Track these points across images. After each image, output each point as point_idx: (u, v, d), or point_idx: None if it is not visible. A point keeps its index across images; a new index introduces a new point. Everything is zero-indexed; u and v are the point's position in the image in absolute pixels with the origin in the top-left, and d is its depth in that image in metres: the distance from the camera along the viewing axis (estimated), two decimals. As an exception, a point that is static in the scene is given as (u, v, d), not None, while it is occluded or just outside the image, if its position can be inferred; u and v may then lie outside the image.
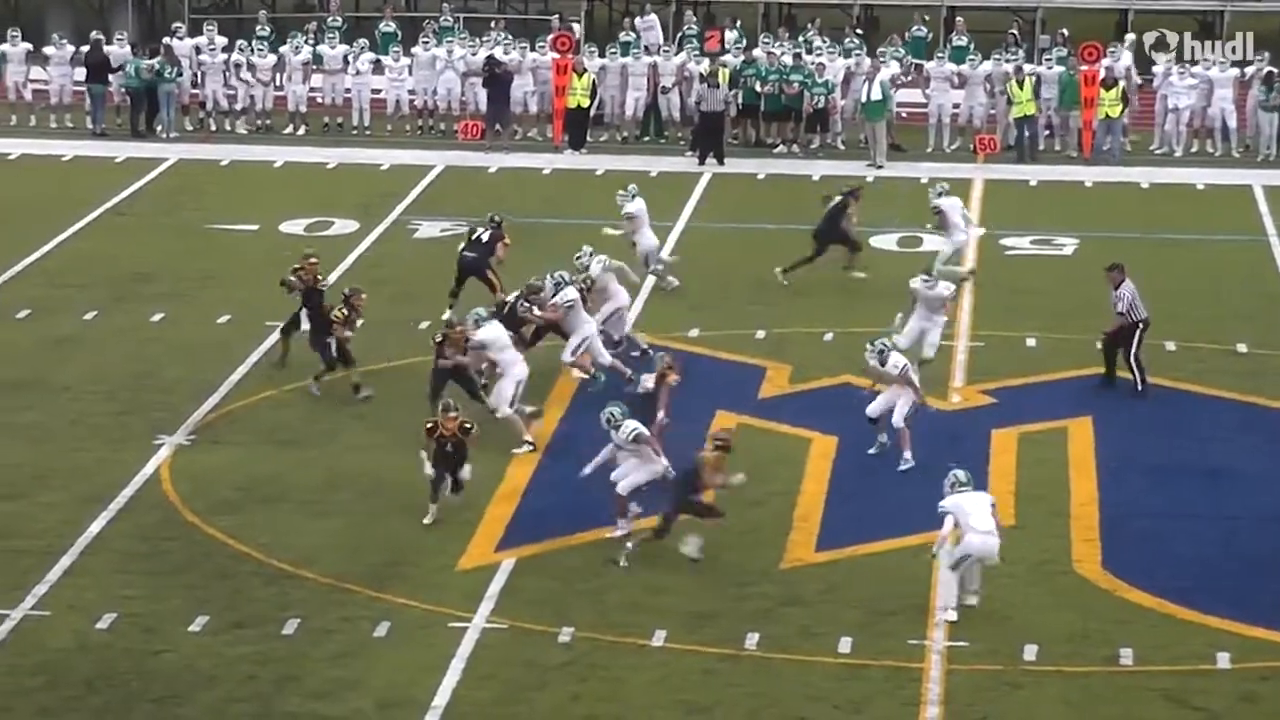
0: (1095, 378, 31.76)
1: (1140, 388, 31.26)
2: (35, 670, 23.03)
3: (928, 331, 31.46)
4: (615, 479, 26.22)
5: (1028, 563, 25.86)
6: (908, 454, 28.48)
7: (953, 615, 24.09)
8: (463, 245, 34.23)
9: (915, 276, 31.94)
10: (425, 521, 26.41)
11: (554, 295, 30.88)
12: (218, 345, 32.90)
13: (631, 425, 26.18)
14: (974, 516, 24.08)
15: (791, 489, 28.04)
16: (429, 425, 26.67)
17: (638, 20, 50.15)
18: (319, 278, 31.49)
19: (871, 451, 28.89)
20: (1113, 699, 22.61)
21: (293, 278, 31.31)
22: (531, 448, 28.97)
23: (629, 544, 25.73)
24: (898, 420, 28.46)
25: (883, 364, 28.43)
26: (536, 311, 30.90)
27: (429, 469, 26.49)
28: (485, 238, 33.70)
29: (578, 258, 32.49)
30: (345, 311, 30.48)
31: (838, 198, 36.16)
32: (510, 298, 31.46)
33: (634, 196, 35.73)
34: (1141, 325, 31.36)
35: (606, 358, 31.13)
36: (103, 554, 25.95)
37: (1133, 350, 31.32)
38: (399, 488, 27.76)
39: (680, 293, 35.85)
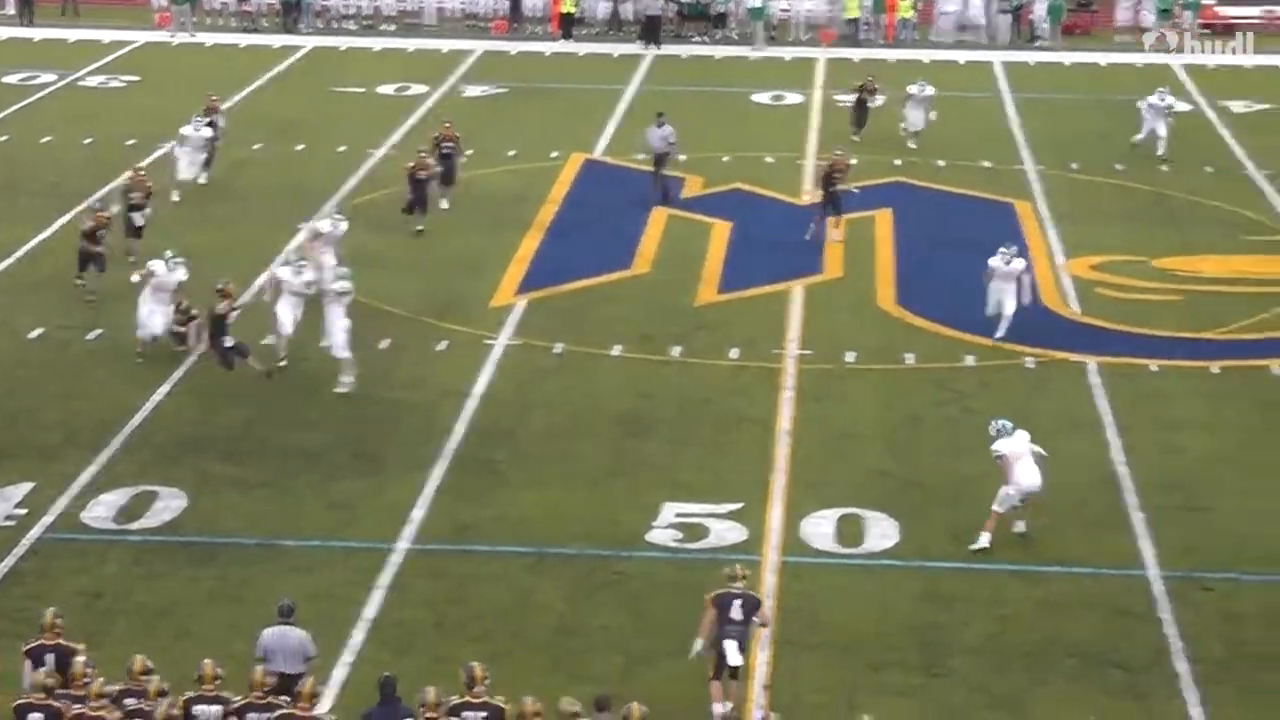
0: (893, 184, 31.29)
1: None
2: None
3: None
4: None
5: (848, 302, 25.71)
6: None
7: None
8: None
9: None
10: None
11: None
12: (343, 162, 32.24)
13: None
14: None
15: (701, 254, 27.71)
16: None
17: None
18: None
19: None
20: (901, 385, 22.65)
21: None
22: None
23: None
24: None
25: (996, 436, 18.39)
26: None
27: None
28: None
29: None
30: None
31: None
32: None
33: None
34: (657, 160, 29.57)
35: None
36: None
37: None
38: (453, 261, 27.32)
39: (631, 130, 34.91)
